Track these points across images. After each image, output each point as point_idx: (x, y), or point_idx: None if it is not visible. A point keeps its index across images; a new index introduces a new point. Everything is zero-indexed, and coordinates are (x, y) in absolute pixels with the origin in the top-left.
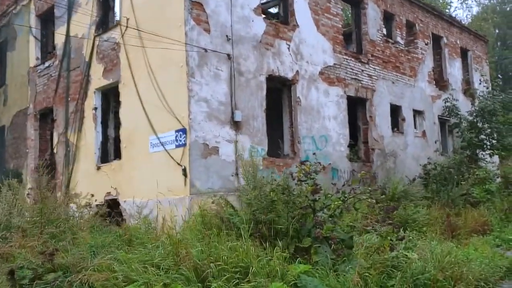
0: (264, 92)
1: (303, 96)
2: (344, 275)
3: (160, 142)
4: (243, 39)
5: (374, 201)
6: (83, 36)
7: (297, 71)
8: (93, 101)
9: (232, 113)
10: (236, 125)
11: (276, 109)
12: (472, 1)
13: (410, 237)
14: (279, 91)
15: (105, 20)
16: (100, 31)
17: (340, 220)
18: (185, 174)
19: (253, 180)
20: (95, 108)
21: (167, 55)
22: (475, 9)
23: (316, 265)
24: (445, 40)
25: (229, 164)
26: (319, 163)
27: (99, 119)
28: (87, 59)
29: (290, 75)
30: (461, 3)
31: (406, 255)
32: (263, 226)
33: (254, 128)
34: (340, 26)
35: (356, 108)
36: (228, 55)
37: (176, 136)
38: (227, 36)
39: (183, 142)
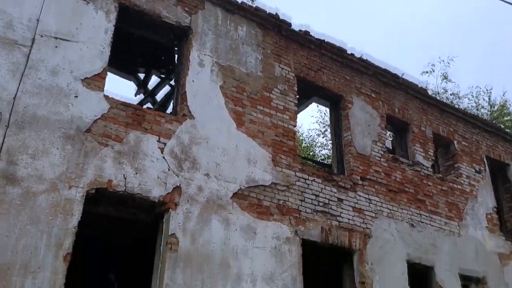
0: (74, 221)
1: (187, 234)
2: None
3: None
4: (42, 122)
5: None
6: None
7: (177, 188)
8: None
9: None
10: None
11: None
12: None
13: None
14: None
15: None
16: None
17: None
18: None
19: None
20: None
21: None
22: None
23: None
24: None
25: None
26: None
27: None
28: None
29: (156, 194)
30: None
31: None
32: None
33: None
34: (292, 127)
35: (338, 267)
36: None
37: None
38: None
39: None
